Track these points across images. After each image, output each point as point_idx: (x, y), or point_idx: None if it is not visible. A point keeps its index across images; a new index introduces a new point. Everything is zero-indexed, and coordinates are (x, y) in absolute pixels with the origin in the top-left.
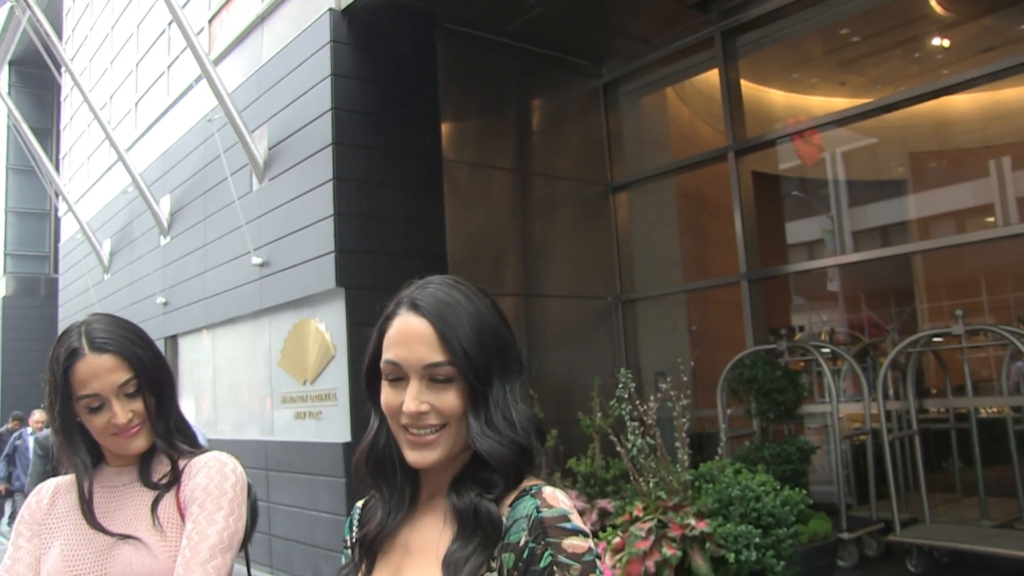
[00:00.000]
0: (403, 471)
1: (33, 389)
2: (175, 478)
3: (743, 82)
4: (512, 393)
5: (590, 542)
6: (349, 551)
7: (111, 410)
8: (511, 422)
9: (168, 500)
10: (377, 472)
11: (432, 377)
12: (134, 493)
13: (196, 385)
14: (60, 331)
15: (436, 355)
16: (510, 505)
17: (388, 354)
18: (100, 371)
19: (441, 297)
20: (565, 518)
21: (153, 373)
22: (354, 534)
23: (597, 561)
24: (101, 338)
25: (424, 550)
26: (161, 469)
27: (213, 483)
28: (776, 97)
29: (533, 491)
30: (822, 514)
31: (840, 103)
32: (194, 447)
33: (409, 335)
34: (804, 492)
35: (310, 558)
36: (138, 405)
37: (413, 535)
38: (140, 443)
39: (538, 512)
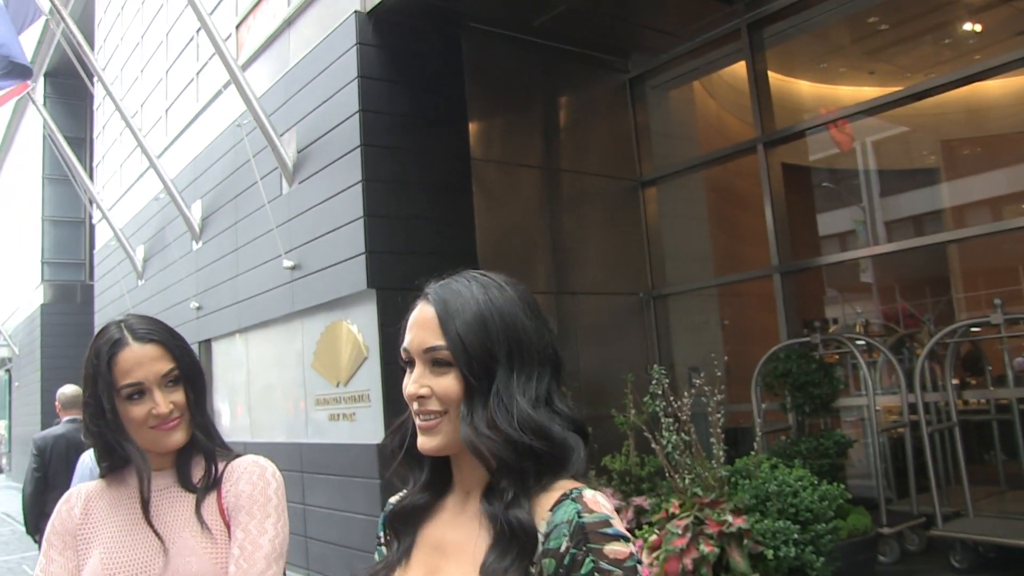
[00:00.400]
0: (431, 462)
1: None
2: (216, 480)
3: (770, 73)
4: (527, 388)
5: (632, 547)
6: (383, 548)
7: (153, 400)
8: (510, 416)
9: (210, 504)
10: (403, 459)
11: (433, 361)
12: (173, 497)
13: (230, 388)
14: None
15: (435, 339)
16: (551, 509)
17: (402, 342)
18: (144, 360)
19: (453, 287)
20: (607, 523)
21: (192, 367)
22: (387, 533)
23: (639, 567)
24: (143, 329)
25: (459, 551)
26: (198, 472)
27: (258, 490)
28: (804, 88)
29: (574, 495)
30: (861, 509)
31: (869, 92)
32: (222, 448)
33: (416, 320)
34: (842, 486)
35: (345, 559)
36: (179, 396)
37: (448, 534)
38: (179, 437)
39: (579, 517)
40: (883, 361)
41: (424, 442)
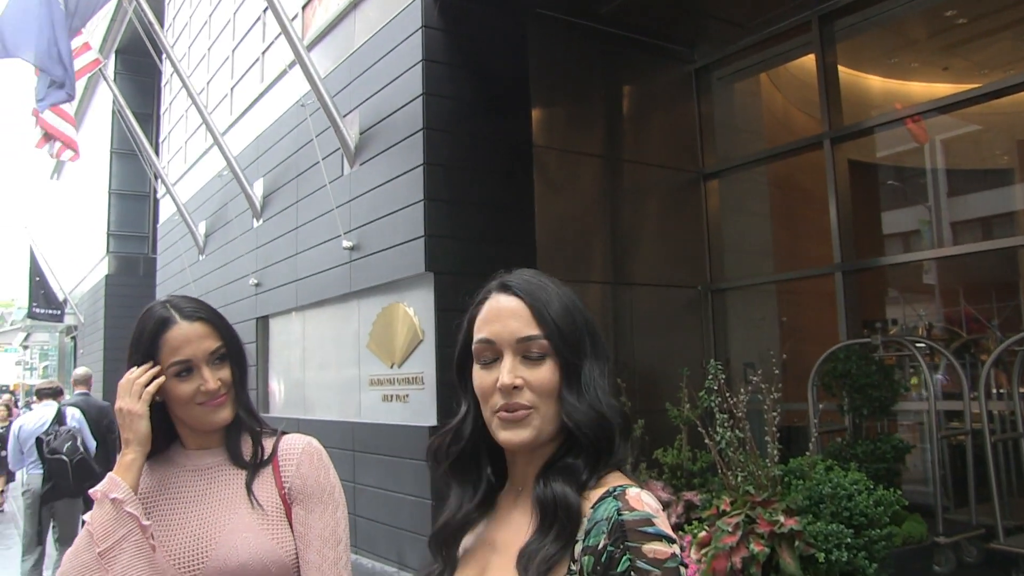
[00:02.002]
0: (489, 463)
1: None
2: (268, 457)
3: (840, 67)
4: (602, 378)
5: (675, 548)
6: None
7: (201, 376)
8: (599, 401)
9: (265, 481)
10: (457, 460)
11: (526, 353)
12: (225, 475)
13: (286, 365)
14: None
15: (530, 328)
16: (593, 506)
17: (481, 333)
18: (192, 337)
19: (529, 278)
20: (648, 521)
21: (236, 346)
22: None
23: (682, 568)
24: (189, 308)
25: (510, 548)
26: (247, 449)
27: (322, 475)
28: (874, 83)
29: (616, 492)
30: (916, 516)
31: (942, 89)
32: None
33: (501, 312)
34: (899, 492)
35: (394, 539)
36: (225, 374)
37: (500, 532)
38: (226, 414)
39: (618, 515)
40: (944, 366)
41: (510, 436)
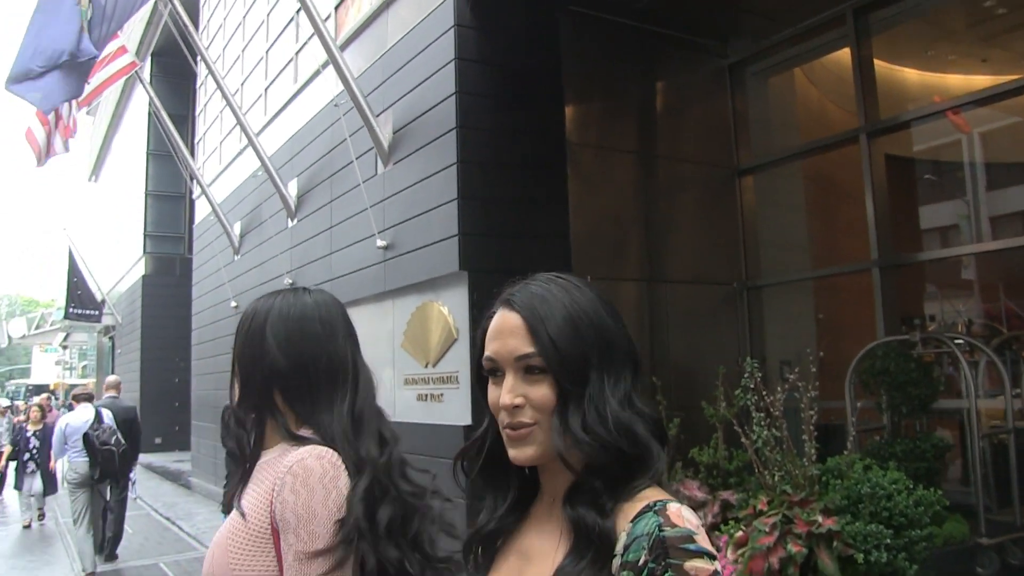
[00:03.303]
0: (518, 473)
1: (168, 363)
2: (248, 470)
3: (876, 61)
4: (616, 390)
5: (715, 565)
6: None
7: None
8: (604, 420)
9: (261, 497)
10: (483, 470)
11: (526, 369)
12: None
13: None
14: (193, 311)
15: (526, 346)
16: (632, 520)
17: (487, 351)
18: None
19: (535, 291)
20: (690, 538)
21: (244, 354)
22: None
23: None
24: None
25: (544, 556)
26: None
27: (299, 502)
28: (910, 76)
29: (657, 507)
30: (958, 516)
31: (981, 81)
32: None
33: (503, 329)
34: (939, 492)
35: None
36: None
37: (534, 540)
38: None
39: (660, 531)
40: (985, 363)
41: (516, 454)
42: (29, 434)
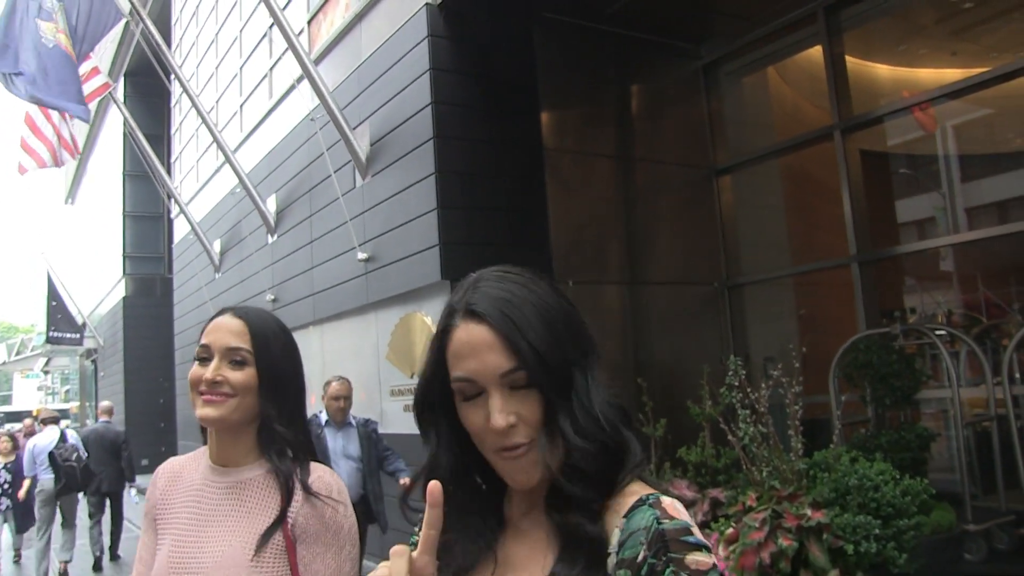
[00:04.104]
0: (481, 499)
1: (152, 384)
2: (286, 492)
3: (848, 57)
4: (596, 384)
5: (714, 558)
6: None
7: (209, 365)
8: (595, 418)
9: (270, 514)
10: (479, 504)
11: (512, 385)
12: (243, 495)
13: (306, 380)
14: (175, 330)
15: (508, 361)
16: (625, 515)
17: (457, 371)
18: (222, 327)
19: (495, 294)
20: (687, 531)
21: (273, 360)
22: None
23: None
24: (244, 310)
25: (530, 564)
26: (263, 474)
27: (326, 513)
28: (882, 72)
29: (651, 500)
30: (945, 504)
31: (952, 74)
32: (303, 459)
33: (475, 346)
34: (926, 481)
35: None
36: (239, 376)
37: (514, 548)
38: (213, 412)
39: (658, 524)
40: (966, 352)
41: (524, 479)
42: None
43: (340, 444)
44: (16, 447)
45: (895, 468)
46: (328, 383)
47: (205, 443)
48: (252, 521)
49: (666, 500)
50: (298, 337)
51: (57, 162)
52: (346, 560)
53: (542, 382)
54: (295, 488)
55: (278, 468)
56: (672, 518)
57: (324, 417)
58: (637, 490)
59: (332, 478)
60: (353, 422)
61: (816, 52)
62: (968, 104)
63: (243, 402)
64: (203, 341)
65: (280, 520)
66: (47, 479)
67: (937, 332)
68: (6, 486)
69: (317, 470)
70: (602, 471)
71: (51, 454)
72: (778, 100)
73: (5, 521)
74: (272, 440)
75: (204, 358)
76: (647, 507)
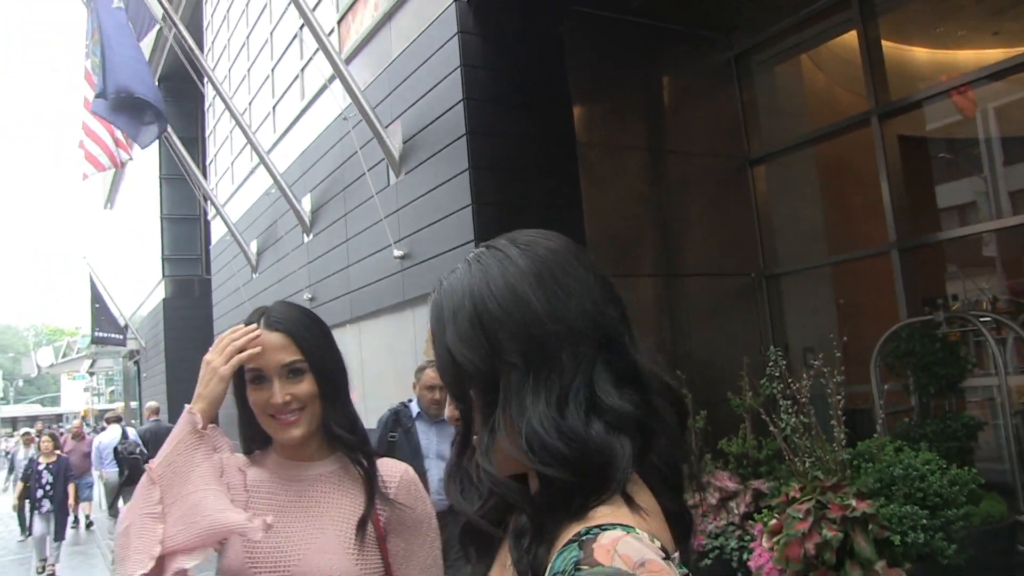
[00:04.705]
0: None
1: (193, 383)
2: (371, 486)
3: (883, 42)
4: (546, 390)
5: None
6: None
7: (271, 389)
8: (518, 435)
9: (359, 506)
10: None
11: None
12: (316, 491)
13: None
14: (214, 331)
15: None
16: (559, 551)
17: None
18: (267, 347)
19: (452, 278)
20: None
21: (324, 360)
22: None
23: None
24: (275, 318)
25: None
26: (340, 468)
27: (419, 506)
28: (920, 55)
29: (584, 537)
30: (994, 494)
31: (993, 55)
32: (364, 446)
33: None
34: (974, 471)
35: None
36: (301, 388)
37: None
38: (296, 432)
39: (576, 570)
40: (1013, 339)
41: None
42: (41, 468)
43: (434, 442)
44: (58, 447)
45: (941, 458)
46: (422, 368)
47: (245, 437)
48: (341, 510)
49: (604, 539)
50: (336, 335)
51: (115, 163)
52: (438, 548)
53: (448, 384)
54: (379, 480)
55: (358, 461)
56: (597, 564)
57: (416, 408)
58: (597, 517)
59: (412, 473)
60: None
61: (851, 38)
62: (1011, 85)
63: (313, 411)
64: (252, 365)
65: (370, 511)
66: (112, 472)
67: (982, 319)
68: (48, 488)
69: (398, 464)
70: (547, 496)
71: (115, 449)
72: (812, 88)
73: (45, 524)
74: (344, 439)
75: (259, 379)
76: (575, 545)
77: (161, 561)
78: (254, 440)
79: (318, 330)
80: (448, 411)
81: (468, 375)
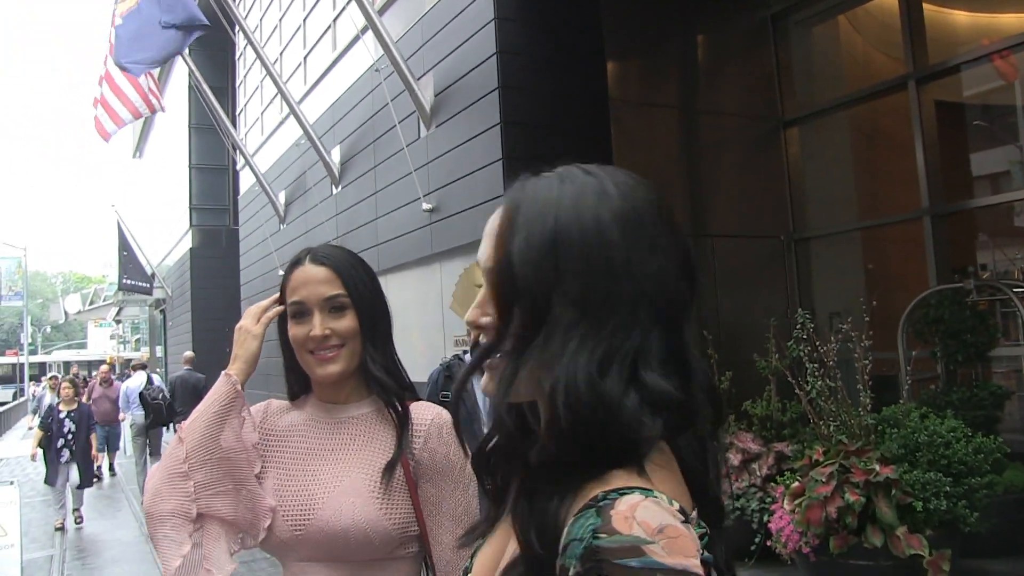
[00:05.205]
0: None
1: (219, 335)
2: (403, 428)
3: (924, 5)
4: (594, 342)
5: None
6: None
7: (311, 322)
8: (555, 382)
9: (389, 448)
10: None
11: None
12: (346, 433)
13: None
14: (241, 280)
15: (489, 259)
16: (575, 515)
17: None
18: (310, 280)
19: (536, 185)
20: (633, 550)
21: (368, 299)
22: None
23: None
24: (322, 254)
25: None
26: (375, 410)
27: (451, 451)
28: (960, 19)
29: (602, 502)
30: (1019, 464)
31: None
32: (403, 391)
33: (486, 230)
34: (1000, 439)
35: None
36: (343, 324)
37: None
38: (334, 368)
39: (594, 538)
40: None
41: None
42: (63, 415)
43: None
44: (78, 394)
45: (967, 426)
46: None
47: (291, 385)
48: (370, 453)
49: (622, 504)
50: None
51: (137, 115)
52: (472, 496)
53: (501, 298)
54: (410, 424)
55: (392, 404)
56: (616, 532)
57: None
58: (613, 481)
59: (447, 416)
60: None
61: (890, 0)
62: None
63: (353, 348)
64: (295, 298)
65: (399, 455)
66: (139, 415)
67: (1016, 289)
68: (69, 437)
69: (432, 408)
70: (571, 443)
71: (141, 394)
72: (849, 50)
73: (68, 477)
74: (381, 381)
75: (301, 313)
76: (592, 511)
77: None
78: (298, 385)
79: (363, 270)
80: (472, 314)
81: (517, 292)
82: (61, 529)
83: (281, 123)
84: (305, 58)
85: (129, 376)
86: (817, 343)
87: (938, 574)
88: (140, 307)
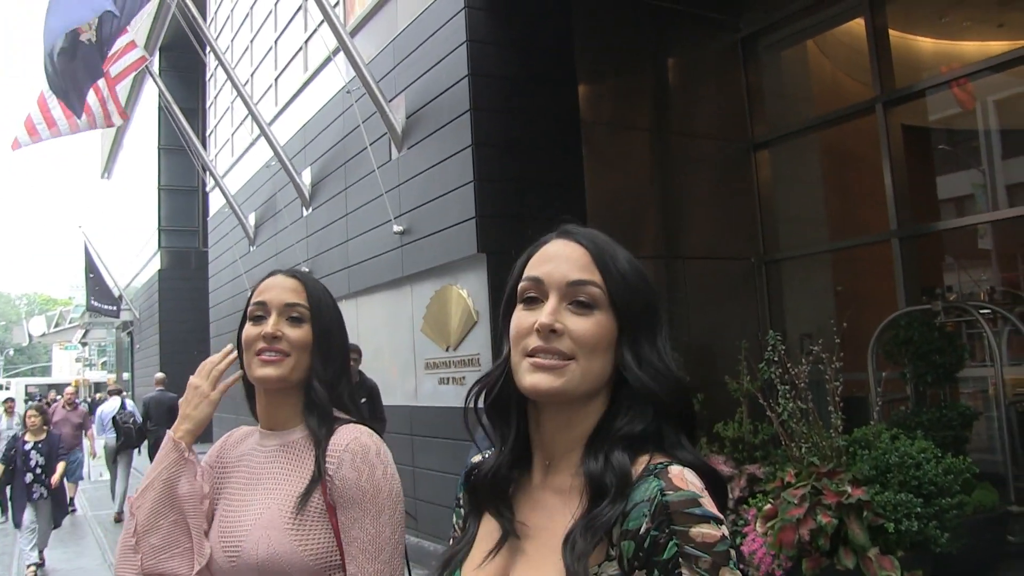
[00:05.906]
0: (518, 418)
1: (187, 356)
2: (320, 456)
3: (890, 30)
4: (664, 342)
5: (723, 530)
6: (460, 511)
7: (267, 322)
8: (665, 362)
9: (308, 476)
10: (495, 405)
11: (574, 299)
12: (276, 463)
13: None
14: (210, 303)
15: (584, 273)
16: (636, 483)
17: (529, 272)
18: (278, 285)
19: (595, 232)
20: (694, 502)
21: (327, 321)
22: (466, 500)
23: (732, 551)
24: (293, 271)
25: (542, 534)
26: (305, 439)
27: (362, 478)
28: (925, 45)
29: (657, 470)
30: (987, 484)
31: (998, 46)
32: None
33: (556, 255)
34: (969, 460)
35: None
36: (295, 333)
37: (531, 515)
38: (272, 371)
39: (662, 496)
40: (1008, 331)
41: (539, 381)
42: (28, 447)
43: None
44: (47, 423)
45: (936, 446)
46: None
47: (252, 411)
48: (291, 483)
49: (674, 470)
50: None
51: (93, 124)
52: (385, 525)
53: (622, 301)
54: (328, 450)
55: (313, 430)
56: (678, 488)
57: None
58: (653, 458)
59: (371, 439)
60: None
61: (857, 25)
62: (1013, 77)
63: (299, 361)
64: (258, 299)
65: (315, 482)
66: (110, 438)
67: (981, 310)
68: (39, 471)
69: (355, 431)
70: (670, 403)
71: (114, 418)
72: (818, 74)
73: (36, 514)
74: (316, 402)
75: (260, 316)
76: (652, 478)
77: None
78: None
79: (330, 297)
80: (549, 319)
81: (625, 300)
82: (41, 565)
83: (251, 144)
84: (276, 79)
85: (104, 400)
86: (788, 365)
87: None
88: (107, 329)
